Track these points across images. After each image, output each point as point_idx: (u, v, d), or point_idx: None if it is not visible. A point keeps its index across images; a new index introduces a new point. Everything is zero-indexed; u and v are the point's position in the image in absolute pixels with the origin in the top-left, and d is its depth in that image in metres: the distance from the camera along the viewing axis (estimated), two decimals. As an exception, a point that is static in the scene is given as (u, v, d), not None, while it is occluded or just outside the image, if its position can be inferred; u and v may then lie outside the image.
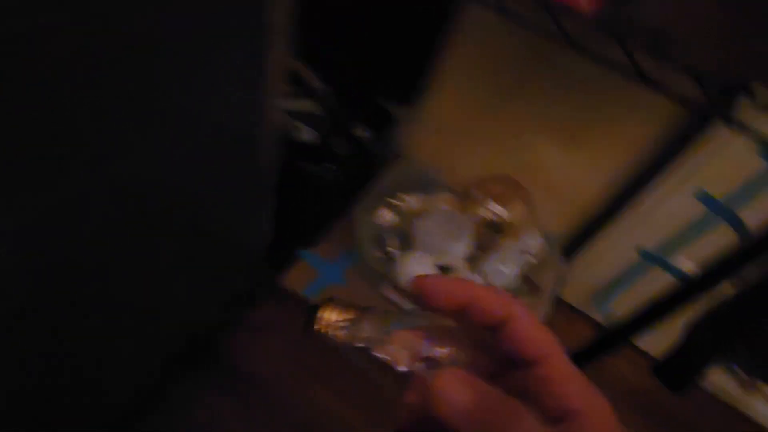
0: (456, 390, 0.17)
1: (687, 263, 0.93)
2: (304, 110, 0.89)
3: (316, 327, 0.21)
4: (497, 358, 0.19)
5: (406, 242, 0.88)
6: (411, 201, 0.94)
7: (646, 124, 0.84)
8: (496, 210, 0.86)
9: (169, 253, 0.61)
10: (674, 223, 0.90)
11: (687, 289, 0.54)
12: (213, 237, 0.72)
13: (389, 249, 0.89)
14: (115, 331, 0.58)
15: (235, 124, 0.59)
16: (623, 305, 1.08)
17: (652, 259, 0.95)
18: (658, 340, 1.11)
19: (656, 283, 1.00)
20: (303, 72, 0.86)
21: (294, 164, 0.83)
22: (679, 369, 0.56)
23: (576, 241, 0.99)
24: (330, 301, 0.21)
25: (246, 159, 0.65)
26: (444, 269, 0.82)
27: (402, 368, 0.19)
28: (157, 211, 0.54)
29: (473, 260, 0.87)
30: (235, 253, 0.82)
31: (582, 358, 0.69)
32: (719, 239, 0.87)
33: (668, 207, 0.88)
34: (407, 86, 0.94)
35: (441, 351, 0.19)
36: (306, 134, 0.82)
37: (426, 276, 0.20)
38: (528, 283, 0.84)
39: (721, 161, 0.80)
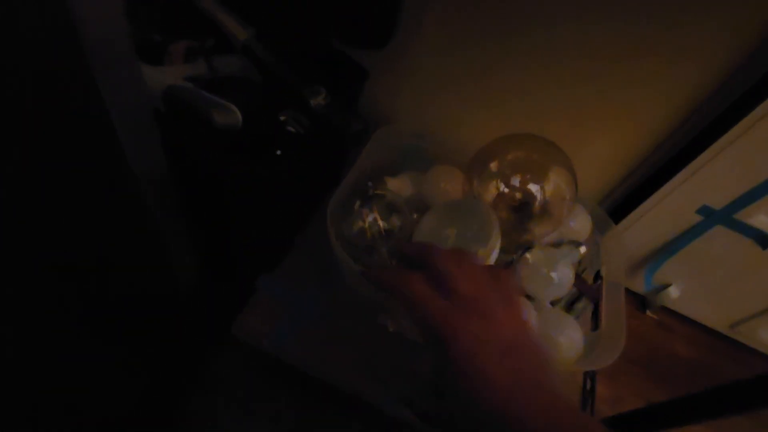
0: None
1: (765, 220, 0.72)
2: (223, 74, 0.58)
3: None
4: None
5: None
6: (401, 186, 0.66)
7: (716, 39, 0.58)
8: (522, 187, 0.61)
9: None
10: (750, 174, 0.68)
11: None
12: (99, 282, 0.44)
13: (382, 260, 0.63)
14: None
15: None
16: (670, 274, 0.89)
17: (716, 217, 0.74)
18: (713, 313, 0.93)
19: (714, 247, 0.81)
20: (212, 10, 0.54)
21: (222, 162, 0.53)
22: None
23: (619, 208, 0.76)
24: None
25: (105, 163, 0.36)
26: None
27: None
28: None
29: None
30: (144, 298, 0.54)
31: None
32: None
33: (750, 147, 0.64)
34: (373, 20, 0.63)
35: None
36: (229, 117, 0.51)
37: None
38: (582, 287, 0.61)
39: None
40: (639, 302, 0.98)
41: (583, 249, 0.60)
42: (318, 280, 0.67)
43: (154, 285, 0.52)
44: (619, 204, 0.76)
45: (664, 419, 0.55)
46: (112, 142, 0.32)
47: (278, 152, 0.59)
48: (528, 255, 0.60)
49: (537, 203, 0.60)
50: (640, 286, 0.93)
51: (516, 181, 0.61)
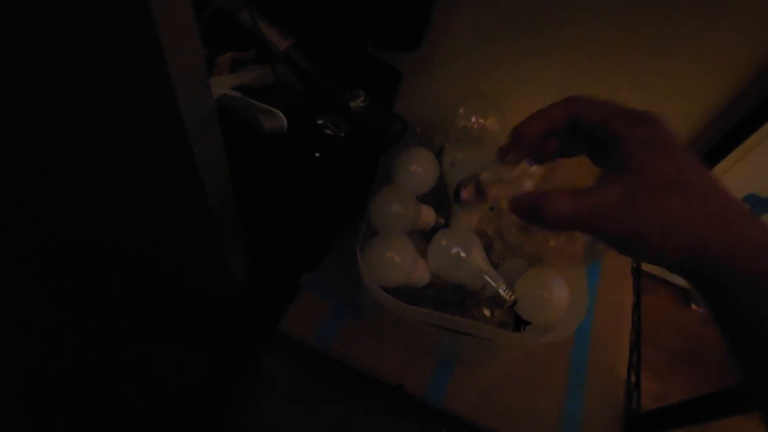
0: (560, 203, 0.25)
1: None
2: (267, 84, 0.61)
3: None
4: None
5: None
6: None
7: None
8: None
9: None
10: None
11: None
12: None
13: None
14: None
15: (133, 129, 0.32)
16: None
17: (765, 205, 0.72)
18: None
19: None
20: (253, 22, 0.58)
21: (267, 166, 0.56)
22: None
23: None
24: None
25: (174, 182, 0.39)
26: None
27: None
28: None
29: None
30: (201, 297, 0.57)
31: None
32: None
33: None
34: (404, 21, 0.65)
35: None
36: (275, 122, 0.54)
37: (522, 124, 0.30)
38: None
39: None
40: (682, 296, 0.96)
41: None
42: (358, 278, 0.69)
43: (211, 284, 0.56)
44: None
45: (710, 411, 0.54)
46: (184, 149, 0.35)
47: (317, 155, 0.62)
48: None
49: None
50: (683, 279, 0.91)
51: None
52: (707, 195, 0.24)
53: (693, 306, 0.95)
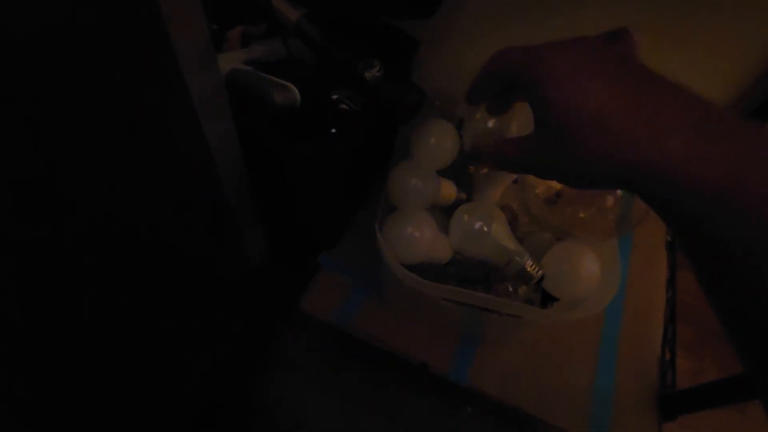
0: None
1: None
2: (279, 59, 0.59)
3: None
4: None
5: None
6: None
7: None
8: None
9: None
10: None
11: None
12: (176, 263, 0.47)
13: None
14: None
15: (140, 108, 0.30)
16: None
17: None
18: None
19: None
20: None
21: (281, 142, 0.54)
22: None
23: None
24: None
25: (187, 160, 0.38)
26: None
27: None
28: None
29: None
30: (217, 277, 0.57)
31: None
32: None
33: None
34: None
35: None
36: (288, 96, 0.52)
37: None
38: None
39: None
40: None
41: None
42: (377, 255, 0.68)
43: (227, 264, 0.55)
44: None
45: (748, 390, 0.51)
46: (195, 131, 0.34)
47: (333, 131, 0.60)
48: None
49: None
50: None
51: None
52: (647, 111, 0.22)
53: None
